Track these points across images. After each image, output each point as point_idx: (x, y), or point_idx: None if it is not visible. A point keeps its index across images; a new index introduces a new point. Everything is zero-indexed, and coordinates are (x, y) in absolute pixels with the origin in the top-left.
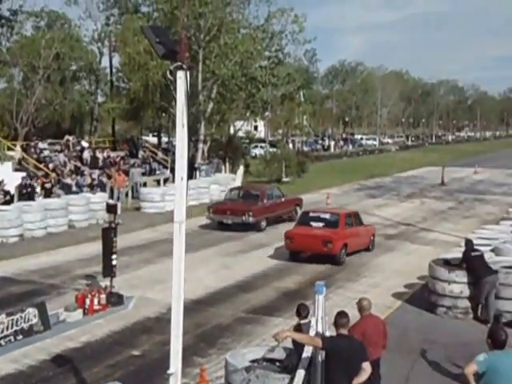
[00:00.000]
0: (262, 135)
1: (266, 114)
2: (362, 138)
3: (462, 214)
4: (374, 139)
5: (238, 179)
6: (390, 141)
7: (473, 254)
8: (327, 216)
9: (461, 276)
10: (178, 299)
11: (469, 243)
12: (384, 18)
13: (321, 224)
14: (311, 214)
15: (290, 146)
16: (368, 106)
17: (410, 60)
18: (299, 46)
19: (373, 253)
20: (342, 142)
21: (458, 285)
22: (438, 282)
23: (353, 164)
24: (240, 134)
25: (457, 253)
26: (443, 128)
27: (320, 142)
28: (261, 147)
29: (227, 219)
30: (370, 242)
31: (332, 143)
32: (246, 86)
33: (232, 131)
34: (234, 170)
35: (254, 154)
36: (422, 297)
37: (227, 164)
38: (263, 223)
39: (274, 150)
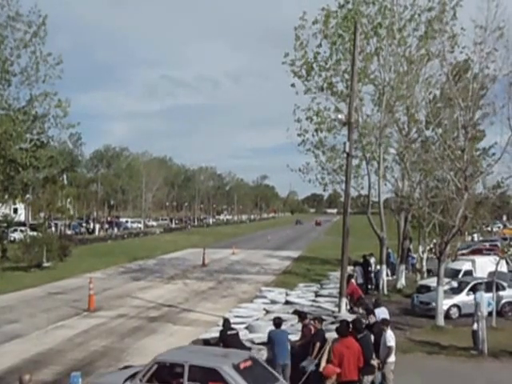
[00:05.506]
0: (23, 218)
1: (27, 196)
2: (127, 221)
3: (220, 294)
4: (140, 222)
5: None
6: (154, 223)
7: (229, 332)
8: None
9: None
10: None
11: (226, 322)
12: (148, 108)
13: None
14: None
15: (53, 229)
16: (133, 189)
17: (172, 147)
18: (63, 130)
19: (135, 336)
20: (107, 225)
21: None
22: None
23: (118, 247)
24: None
25: (215, 332)
26: (204, 211)
27: (84, 224)
28: (21, 231)
29: None
30: None
31: (97, 226)
32: (3, 169)
33: None
34: None
35: (12, 238)
36: None
37: None
38: None
39: (35, 233)
